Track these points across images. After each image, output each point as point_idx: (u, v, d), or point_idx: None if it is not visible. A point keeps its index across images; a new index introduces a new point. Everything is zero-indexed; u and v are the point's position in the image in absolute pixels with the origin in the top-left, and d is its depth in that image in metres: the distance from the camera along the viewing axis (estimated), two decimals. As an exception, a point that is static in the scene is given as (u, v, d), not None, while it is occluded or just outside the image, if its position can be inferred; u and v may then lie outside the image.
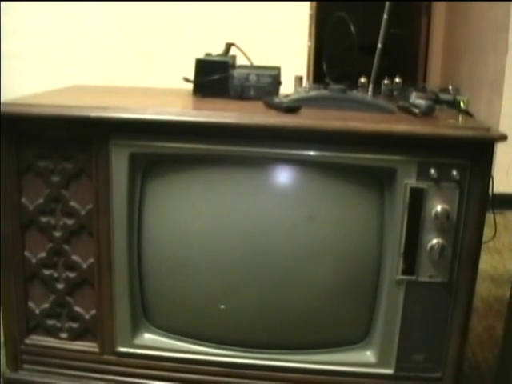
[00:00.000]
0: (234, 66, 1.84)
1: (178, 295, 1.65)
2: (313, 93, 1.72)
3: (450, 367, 1.61)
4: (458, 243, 1.53)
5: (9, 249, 1.65)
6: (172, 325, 1.67)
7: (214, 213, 1.61)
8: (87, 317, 1.68)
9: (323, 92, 1.72)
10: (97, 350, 1.70)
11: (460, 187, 1.49)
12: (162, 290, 1.66)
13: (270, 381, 1.66)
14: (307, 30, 3.35)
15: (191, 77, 1.81)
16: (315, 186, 1.58)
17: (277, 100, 1.65)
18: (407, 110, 1.63)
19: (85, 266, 1.64)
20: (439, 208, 1.50)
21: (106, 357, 1.70)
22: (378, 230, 1.57)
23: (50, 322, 1.71)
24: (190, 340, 1.67)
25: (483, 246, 1.58)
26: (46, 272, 1.67)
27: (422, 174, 1.49)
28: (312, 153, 1.52)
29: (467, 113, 1.70)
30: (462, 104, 1.72)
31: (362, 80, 1.83)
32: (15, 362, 1.73)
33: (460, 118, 1.63)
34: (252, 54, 1.92)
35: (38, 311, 1.70)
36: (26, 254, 1.66)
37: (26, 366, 1.74)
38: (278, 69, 1.83)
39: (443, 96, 1.76)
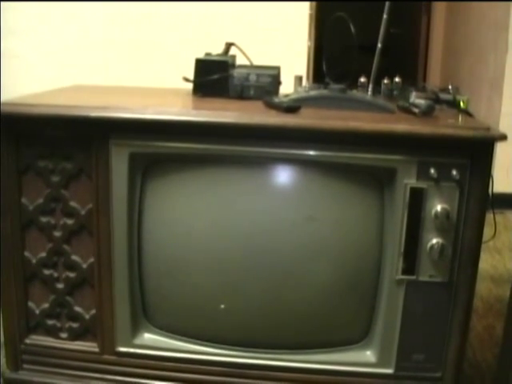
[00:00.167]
0: (233, 65, 1.84)
1: (178, 295, 1.65)
2: (313, 92, 1.72)
3: (450, 367, 1.61)
4: (458, 243, 1.53)
5: (9, 249, 1.65)
6: (172, 324, 1.67)
7: (214, 212, 1.61)
8: (87, 317, 1.68)
9: (323, 92, 1.72)
10: (97, 349, 1.70)
11: (460, 187, 1.49)
12: (162, 290, 1.66)
13: (270, 380, 1.66)
14: (307, 30, 3.35)
15: (191, 76, 1.81)
16: (315, 186, 1.58)
17: (277, 100, 1.65)
18: (407, 110, 1.63)
19: (85, 265, 1.64)
20: (439, 208, 1.50)
21: (106, 357, 1.70)
22: (378, 230, 1.57)
23: (50, 322, 1.71)
24: (190, 340, 1.67)
25: (483, 246, 1.58)
26: (46, 272, 1.67)
27: (422, 174, 1.49)
28: (312, 152, 1.52)
29: (467, 112, 1.70)
30: (461, 104, 1.72)
31: (362, 80, 1.83)
32: (15, 361, 1.73)
33: (460, 118, 1.63)
34: (252, 53, 1.92)
35: (37, 311, 1.70)
36: (26, 253, 1.66)
37: (25, 365, 1.74)
38: (277, 68, 1.83)
39: (443, 96, 1.76)
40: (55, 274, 1.67)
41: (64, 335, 1.71)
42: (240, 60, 1.90)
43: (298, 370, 1.65)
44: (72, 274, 1.66)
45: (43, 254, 1.66)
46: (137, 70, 3.31)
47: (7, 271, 1.66)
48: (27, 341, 1.72)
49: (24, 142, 1.58)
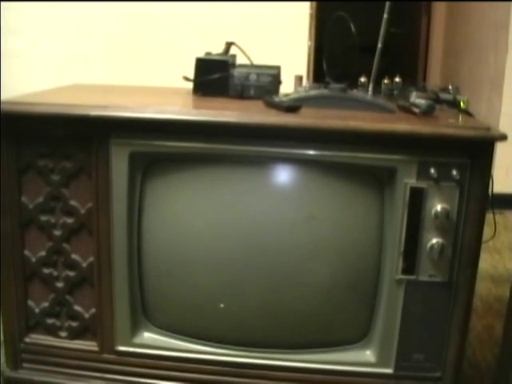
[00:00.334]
0: (234, 65, 1.84)
1: (178, 294, 1.65)
2: (313, 92, 1.72)
3: (449, 366, 1.61)
4: (457, 242, 1.53)
5: (8, 247, 1.65)
6: (172, 324, 1.67)
7: (214, 212, 1.61)
8: (87, 316, 1.68)
9: (323, 91, 1.72)
10: (96, 348, 1.70)
11: (460, 187, 1.49)
12: (161, 289, 1.66)
13: (269, 380, 1.66)
14: (307, 30, 3.35)
15: (191, 76, 1.81)
16: (315, 185, 1.58)
17: (277, 99, 1.65)
18: (407, 110, 1.63)
19: (84, 264, 1.64)
20: (439, 207, 1.50)
21: (106, 356, 1.70)
22: (378, 230, 1.57)
23: (50, 321, 1.71)
24: (189, 339, 1.67)
25: (483, 246, 1.58)
26: (46, 271, 1.67)
27: (422, 174, 1.49)
28: (312, 152, 1.52)
29: (467, 112, 1.70)
30: (462, 103, 1.72)
31: (362, 79, 1.83)
32: (15, 360, 1.73)
33: (460, 118, 1.63)
34: (252, 53, 1.92)
35: (37, 310, 1.70)
36: (26, 252, 1.66)
37: (25, 364, 1.74)
38: (278, 68, 1.83)
39: (443, 95, 1.76)
40: (55, 273, 1.67)
41: (64, 334, 1.71)
42: (240, 59, 1.90)
43: (297, 369, 1.65)
44: (72, 273, 1.66)
45: (43, 253, 1.66)
46: (137, 69, 3.30)
47: (7, 270, 1.66)
48: (27, 340, 1.72)
49: (24, 141, 1.58)
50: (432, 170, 1.48)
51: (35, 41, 3.39)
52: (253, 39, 2.16)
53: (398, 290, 1.56)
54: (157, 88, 2.04)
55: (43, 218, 1.63)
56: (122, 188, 1.57)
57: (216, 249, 1.61)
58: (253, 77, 1.76)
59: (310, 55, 3.39)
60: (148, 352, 1.68)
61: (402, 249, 1.53)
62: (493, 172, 1.54)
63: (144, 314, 1.67)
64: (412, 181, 1.50)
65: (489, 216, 1.63)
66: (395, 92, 1.85)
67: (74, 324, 1.70)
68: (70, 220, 1.62)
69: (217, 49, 1.89)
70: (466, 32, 5.01)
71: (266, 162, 1.57)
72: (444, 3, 5.73)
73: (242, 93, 1.76)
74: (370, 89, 1.77)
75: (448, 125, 1.53)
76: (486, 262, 3.09)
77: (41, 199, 1.62)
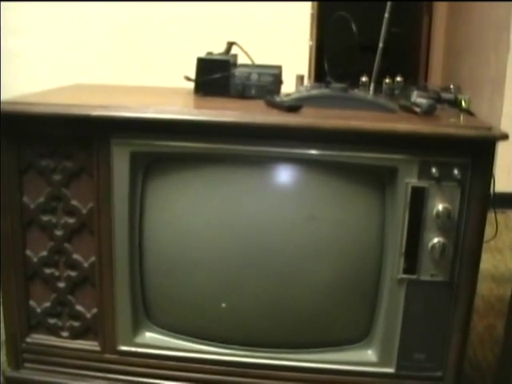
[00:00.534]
0: (235, 64, 1.84)
1: (179, 294, 1.65)
2: (314, 92, 1.72)
3: (450, 366, 1.61)
4: (459, 242, 1.53)
5: (10, 248, 1.65)
6: (173, 323, 1.68)
7: (216, 212, 1.61)
8: (88, 315, 1.68)
9: (324, 91, 1.72)
10: (98, 348, 1.70)
11: (461, 186, 1.49)
12: (163, 289, 1.66)
13: (271, 379, 1.66)
14: (308, 30, 3.35)
15: (192, 76, 1.81)
16: (316, 185, 1.58)
17: (278, 99, 1.65)
18: (409, 109, 1.63)
19: (86, 264, 1.65)
20: (440, 207, 1.50)
21: (108, 355, 1.70)
22: (379, 229, 1.57)
23: (51, 321, 1.71)
24: (191, 339, 1.67)
25: (484, 245, 1.58)
26: (47, 271, 1.67)
27: (424, 173, 1.49)
28: (313, 152, 1.52)
29: (468, 112, 1.70)
30: (463, 103, 1.72)
31: (364, 79, 1.82)
32: (16, 360, 1.73)
33: (461, 117, 1.63)
34: (253, 52, 1.92)
35: (39, 310, 1.70)
36: (27, 252, 1.66)
37: (27, 364, 1.74)
38: (279, 68, 1.83)
39: (444, 95, 1.76)
40: (56, 273, 1.67)
41: (65, 334, 1.71)
42: (241, 59, 1.90)
43: (298, 369, 1.65)
44: (73, 273, 1.66)
45: (44, 253, 1.66)
46: (138, 69, 3.31)
47: (8, 270, 1.67)
48: (28, 339, 1.72)
49: (25, 141, 1.58)
50: (433, 170, 1.48)
51: (35, 41, 3.39)
52: (254, 39, 2.16)
53: (399, 290, 1.56)
54: (158, 88, 2.04)
55: (44, 218, 1.63)
56: (123, 188, 1.57)
57: (217, 248, 1.61)
58: (254, 76, 1.76)
59: (311, 55, 3.39)
60: (150, 352, 1.68)
61: (403, 248, 1.53)
62: (494, 171, 1.54)
63: (146, 313, 1.67)
64: (413, 180, 1.50)
65: (490, 216, 1.63)
66: (396, 91, 1.85)
67: (76, 324, 1.70)
68: (71, 220, 1.62)
69: (218, 48, 1.89)
70: (467, 32, 5.01)
71: (266, 161, 1.57)
72: (445, 3, 5.73)
73: (243, 92, 1.77)
74: (371, 88, 1.77)
75: (449, 124, 1.53)
76: (487, 262, 3.09)
77: (42, 199, 1.62)
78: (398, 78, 1.87)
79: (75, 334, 1.71)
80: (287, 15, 3.28)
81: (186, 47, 2.81)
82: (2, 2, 3.25)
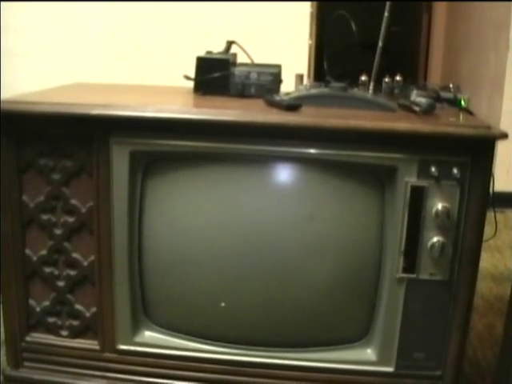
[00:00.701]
0: (234, 63, 1.84)
1: (179, 293, 1.65)
2: (313, 91, 1.72)
3: (450, 365, 1.61)
4: (458, 241, 1.53)
5: (9, 247, 1.65)
6: (172, 322, 1.68)
7: (215, 211, 1.61)
8: (88, 314, 1.68)
9: (324, 90, 1.72)
10: (97, 347, 1.70)
11: (461, 185, 1.49)
12: (162, 288, 1.66)
13: (270, 378, 1.66)
14: (308, 28, 3.35)
15: (192, 75, 1.81)
16: (316, 184, 1.58)
17: (278, 98, 1.65)
18: (408, 108, 1.63)
19: (85, 263, 1.65)
20: (440, 206, 1.50)
21: (107, 354, 1.70)
22: (379, 228, 1.57)
23: (51, 320, 1.71)
24: (190, 338, 1.67)
25: (484, 245, 1.58)
26: (47, 270, 1.67)
27: (423, 172, 1.49)
28: (313, 151, 1.52)
29: (468, 111, 1.70)
30: (462, 102, 1.72)
31: (363, 78, 1.82)
32: (16, 359, 1.73)
33: (461, 116, 1.63)
34: (253, 52, 1.92)
35: (38, 309, 1.70)
36: (27, 251, 1.66)
37: (26, 363, 1.74)
38: (278, 67, 1.83)
39: (444, 94, 1.76)
40: (56, 272, 1.67)
41: (64, 333, 1.71)
42: (241, 58, 1.90)
43: (298, 368, 1.65)
44: (72, 272, 1.66)
45: (44, 252, 1.66)
46: (137, 68, 3.30)
47: (8, 269, 1.67)
48: (28, 338, 1.72)
49: (24, 140, 1.58)
50: (433, 169, 1.48)
51: (35, 40, 3.39)
52: (254, 38, 2.16)
53: (398, 289, 1.56)
54: (157, 87, 2.04)
55: (44, 217, 1.63)
56: (122, 187, 1.57)
57: (217, 247, 1.61)
58: (253, 75, 1.76)
59: (310, 54, 3.39)
60: (149, 351, 1.68)
61: (402, 247, 1.53)
62: (494, 170, 1.54)
63: (145, 312, 1.67)
64: (412, 179, 1.50)
65: (489, 215, 1.63)
66: (396, 91, 1.85)
67: (75, 323, 1.70)
68: (70, 219, 1.62)
69: (218, 47, 1.89)
70: (467, 31, 5.01)
71: (266, 160, 1.57)
72: (445, 2, 5.73)
73: (242, 91, 1.76)
74: (371, 87, 1.77)
75: (449, 123, 1.53)
76: (486, 261, 3.09)
77: (41, 198, 1.62)
78: (398, 77, 1.87)
79: (75, 333, 1.71)
80: (287, 14, 3.28)
81: (186, 46, 2.82)
82: (2, 2, 3.25)
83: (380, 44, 1.71)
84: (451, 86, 1.80)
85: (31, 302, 1.70)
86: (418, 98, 1.66)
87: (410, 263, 1.54)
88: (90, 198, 1.60)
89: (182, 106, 1.69)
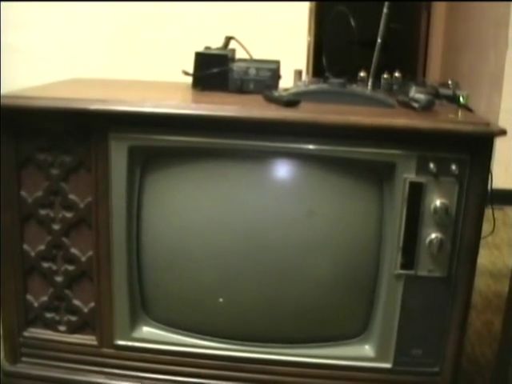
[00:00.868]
0: (233, 59, 1.84)
1: (177, 288, 1.65)
2: (312, 87, 1.72)
3: (448, 362, 1.61)
4: (456, 238, 1.53)
5: (8, 242, 1.65)
6: (170, 318, 1.68)
7: (213, 206, 1.61)
8: (86, 310, 1.68)
9: (323, 86, 1.72)
10: (95, 343, 1.70)
11: (459, 182, 1.49)
12: (160, 283, 1.66)
13: (268, 374, 1.66)
14: (307, 25, 3.34)
15: (190, 70, 1.81)
16: (314, 180, 1.58)
17: (276, 94, 1.64)
18: (407, 105, 1.63)
19: (84, 258, 1.64)
20: (438, 202, 1.50)
21: (105, 350, 1.70)
22: (377, 224, 1.57)
23: (49, 315, 1.71)
24: (188, 333, 1.67)
25: (482, 242, 1.58)
26: (45, 265, 1.67)
27: (422, 169, 1.49)
28: (311, 147, 1.52)
29: (467, 108, 1.69)
30: (461, 99, 1.71)
31: (362, 74, 1.82)
32: (14, 354, 1.73)
33: (459, 113, 1.63)
34: (251, 47, 1.92)
35: (36, 304, 1.70)
36: (25, 246, 1.66)
37: (24, 358, 1.74)
38: (277, 62, 1.83)
39: (443, 91, 1.76)
40: (54, 267, 1.67)
41: (62, 328, 1.71)
42: (240, 54, 1.90)
43: (296, 364, 1.65)
44: (71, 267, 1.66)
45: (42, 247, 1.66)
46: (136, 64, 3.30)
47: (6, 264, 1.66)
48: (26, 334, 1.72)
49: (23, 135, 1.58)
50: (431, 165, 1.48)
51: (36, 36, 3.39)
52: (252, 34, 2.17)
53: (396, 285, 1.56)
54: (156, 82, 2.03)
55: (42, 212, 1.63)
56: (121, 182, 1.57)
57: (214, 243, 1.61)
58: (252, 71, 1.76)
59: (309, 50, 3.39)
60: (147, 346, 1.68)
61: (401, 244, 1.53)
62: (492, 167, 1.54)
63: (143, 308, 1.67)
64: (411, 176, 1.50)
65: (488, 212, 1.63)
66: (395, 87, 1.85)
67: (73, 318, 1.70)
68: (69, 214, 1.62)
69: (216, 43, 1.89)
70: (467, 28, 5.01)
71: (265, 156, 1.57)
72: (444, 2, 5.74)
73: (241, 87, 1.76)
74: (370, 84, 1.77)
75: (447, 120, 1.53)
76: (485, 258, 3.09)
77: (40, 193, 1.61)
78: (397, 74, 1.87)
79: (72, 329, 1.71)
80: (286, 10, 3.28)
81: (184, 41, 2.81)
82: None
83: (379, 41, 1.71)
84: (450, 82, 1.80)
85: (29, 297, 1.70)
86: (416, 94, 1.66)
87: (409, 259, 1.54)
88: (88, 194, 1.60)
89: (180, 102, 1.69)
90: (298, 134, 1.51)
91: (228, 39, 1.90)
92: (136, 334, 1.68)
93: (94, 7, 3.34)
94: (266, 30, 3.24)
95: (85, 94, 1.74)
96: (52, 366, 1.72)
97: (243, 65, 1.78)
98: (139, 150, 1.56)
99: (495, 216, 1.83)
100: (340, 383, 1.65)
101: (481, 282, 2.79)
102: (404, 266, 1.54)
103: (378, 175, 1.54)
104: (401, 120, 1.49)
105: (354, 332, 1.65)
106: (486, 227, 1.67)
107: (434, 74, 5.76)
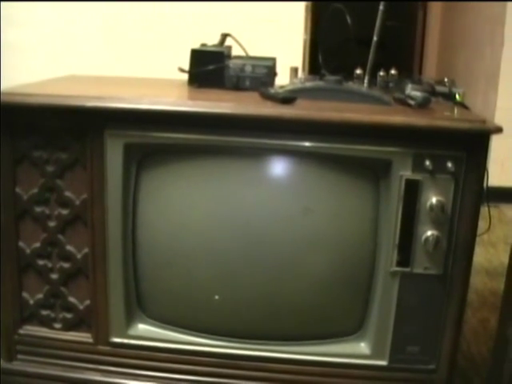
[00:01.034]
0: (229, 56, 1.84)
1: (173, 286, 1.65)
2: (308, 84, 1.72)
3: (444, 359, 1.62)
4: (452, 235, 1.53)
5: (3, 239, 1.64)
6: (166, 315, 1.67)
7: (210, 204, 1.60)
8: (81, 307, 1.68)
9: (319, 83, 1.72)
10: (91, 340, 1.70)
11: (455, 179, 1.49)
12: (156, 281, 1.66)
13: (264, 372, 1.66)
14: (303, 22, 3.34)
15: (187, 67, 1.81)
16: (311, 177, 1.58)
17: (272, 91, 1.64)
18: (403, 102, 1.63)
19: (79, 256, 1.64)
20: (434, 200, 1.50)
21: (100, 347, 1.70)
22: (373, 222, 1.57)
23: (44, 313, 1.71)
24: (184, 331, 1.67)
25: (478, 239, 1.58)
26: (41, 262, 1.66)
27: (418, 166, 1.49)
28: (307, 144, 1.52)
29: (463, 105, 1.69)
30: (457, 96, 1.71)
31: (358, 71, 1.82)
32: (9, 352, 1.73)
33: (456, 110, 1.63)
34: (247, 44, 1.92)
35: (32, 302, 1.70)
36: (21, 244, 1.65)
37: (20, 356, 1.73)
38: (273, 60, 1.83)
39: (439, 88, 1.76)
40: (49, 265, 1.66)
41: (58, 326, 1.71)
42: (236, 51, 1.90)
43: (292, 361, 1.65)
44: (66, 265, 1.66)
45: (37, 245, 1.65)
46: (133, 61, 3.30)
47: (1, 262, 1.66)
48: (21, 331, 1.72)
49: (19, 132, 1.57)
50: (427, 163, 1.48)
51: (34, 33, 3.39)
52: (248, 31, 2.16)
53: (392, 283, 1.56)
54: (152, 79, 2.03)
55: (38, 209, 1.62)
56: (116, 179, 1.56)
57: (211, 241, 1.61)
58: (248, 68, 1.76)
59: (305, 47, 3.39)
60: (143, 344, 1.68)
61: (396, 241, 1.53)
62: (488, 165, 1.54)
63: (139, 305, 1.67)
64: (407, 173, 1.50)
65: (484, 209, 1.63)
66: (391, 84, 1.85)
67: (69, 316, 1.70)
68: (64, 211, 1.62)
69: (212, 40, 1.89)
70: (463, 26, 5.01)
71: (261, 153, 1.57)
72: (439, 2, 5.74)
73: (237, 84, 1.76)
74: (366, 81, 1.76)
75: (443, 117, 1.53)
76: (480, 256, 3.10)
77: (35, 190, 1.61)
78: (393, 71, 1.87)
79: (68, 326, 1.71)
80: (282, 7, 3.28)
81: (181, 39, 2.80)
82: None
83: (375, 38, 1.71)
84: (446, 80, 1.80)
85: (25, 294, 1.69)
86: (412, 91, 1.66)
87: (404, 257, 1.54)
88: (84, 191, 1.59)
89: (176, 99, 1.69)
90: (294, 131, 1.51)
91: (224, 36, 1.90)
92: (132, 332, 1.67)
93: (91, 5, 3.34)
94: (262, 27, 3.24)
95: (81, 91, 1.74)
96: (48, 363, 1.72)
97: (239, 62, 1.77)
98: (135, 147, 1.55)
99: (491, 214, 1.83)
100: (336, 380, 1.65)
101: (476, 280, 2.79)
102: (400, 264, 1.55)
103: (374, 172, 1.54)
104: (397, 117, 1.49)
105: (349, 329, 1.65)
106: (482, 225, 1.67)
107: (430, 71, 5.77)
